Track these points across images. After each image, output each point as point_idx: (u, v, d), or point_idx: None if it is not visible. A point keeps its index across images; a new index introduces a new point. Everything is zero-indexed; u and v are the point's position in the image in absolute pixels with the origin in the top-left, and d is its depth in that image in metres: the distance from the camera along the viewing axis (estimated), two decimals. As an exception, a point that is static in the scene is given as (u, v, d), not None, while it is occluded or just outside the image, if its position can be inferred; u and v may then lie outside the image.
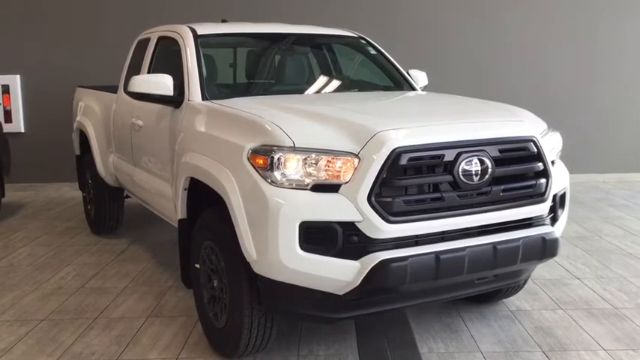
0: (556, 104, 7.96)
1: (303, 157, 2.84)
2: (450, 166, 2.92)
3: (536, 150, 3.17)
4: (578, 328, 3.74)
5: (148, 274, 4.80)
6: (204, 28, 4.38)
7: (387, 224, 2.79)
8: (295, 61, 4.91)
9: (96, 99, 5.78)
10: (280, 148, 2.86)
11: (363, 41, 4.95)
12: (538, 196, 3.20)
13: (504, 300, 4.14)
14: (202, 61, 4.08)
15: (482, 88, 7.70)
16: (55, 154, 7.96)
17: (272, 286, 2.94)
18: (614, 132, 8.39)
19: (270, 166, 2.85)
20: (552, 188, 3.27)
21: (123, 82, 5.16)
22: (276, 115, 3.18)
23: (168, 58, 4.46)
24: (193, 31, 4.29)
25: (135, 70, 4.88)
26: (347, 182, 2.82)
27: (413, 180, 2.87)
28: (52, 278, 4.74)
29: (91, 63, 7.88)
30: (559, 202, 3.44)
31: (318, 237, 2.79)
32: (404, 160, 2.81)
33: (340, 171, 2.84)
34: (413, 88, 4.69)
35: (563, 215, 3.53)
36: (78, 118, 6.01)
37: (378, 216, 2.78)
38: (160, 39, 4.67)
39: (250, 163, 2.94)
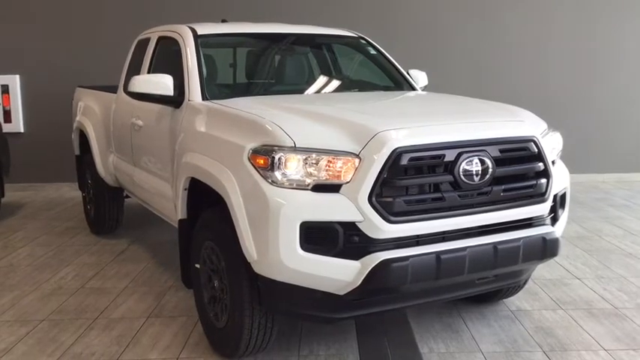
0: (556, 104, 7.96)
1: (304, 157, 2.84)
2: (450, 166, 2.92)
3: (536, 150, 3.17)
4: (578, 328, 3.74)
5: (147, 274, 4.79)
6: (205, 28, 4.38)
7: (387, 224, 2.79)
8: (295, 61, 4.91)
9: (96, 99, 5.77)
10: (281, 148, 2.86)
11: (363, 41, 4.94)
12: (539, 196, 3.20)
13: (504, 300, 4.14)
14: (202, 61, 4.07)
15: (482, 88, 7.69)
16: (55, 154, 7.95)
17: (273, 286, 2.94)
18: (613, 132, 8.39)
19: (271, 166, 2.85)
20: (553, 188, 3.27)
21: (123, 82, 5.16)
22: (277, 115, 3.18)
23: (168, 58, 4.45)
24: (193, 31, 4.28)
25: (135, 70, 4.88)
26: (348, 182, 2.82)
27: (414, 180, 2.87)
28: (51, 278, 4.74)
29: (90, 63, 7.87)
30: (559, 202, 3.44)
31: (319, 237, 2.79)
32: (405, 160, 2.81)
33: (341, 171, 2.84)
34: (413, 88, 4.69)
35: (564, 215, 3.53)
36: (78, 118, 6.01)
37: (378, 216, 2.78)
38: (160, 39, 4.67)
39: (251, 163, 2.94)
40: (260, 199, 2.85)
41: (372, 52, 4.90)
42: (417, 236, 2.91)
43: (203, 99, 3.82)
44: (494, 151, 3.03)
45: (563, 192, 3.48)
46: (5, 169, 6.68)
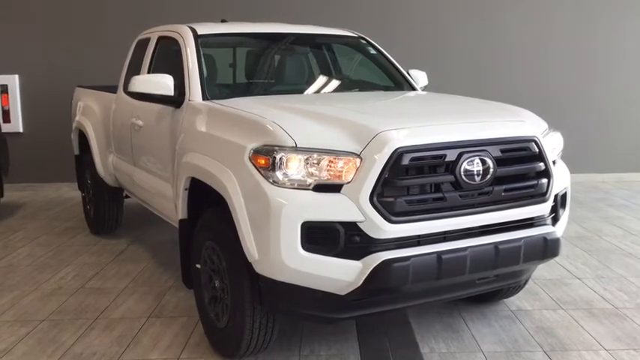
0: (556, 104, 7.96)
1: (305, 157, 2.84)
2: (451, 166, 2.92)
3: (537, 150, 3.17)
4: (579, 328, 3.74)
5: (147, 275, 4.79)
6: (205, 28, 4.38)
7: (389, 224, 2.79)
8: (296, 61, 4.91)
9: (95, 99, 5.76)
10: (282, 148, 2.86)
11: (363, 41, 4.94)
12: (539, 196, 3.20)
13: (505, 300, 4.14)
14: (203, 61, 4.07)
15: (482, 88, 7.69)
16: (54, 154, 7.95)
17: (274, 286, 2.93)
18: (613, 132, 8.40)
19: (272, 166, 2.84)
20: (554, 188, 3.27)
21: (122, 82, 5.15)
22: (278, 115, 3.17)
23: (168, 58, 4.45)
24: (193, 31, 4.28)
25: (135, 70, 4.87)
26: (349, 182, 2.82)
27: (415, 180, 2.87)
28: (51, 278, 4.73)
29: (89, 63, 7.87)
30: (560, 202, 3.43)
31: (320, 237, 2.79)
32: (406, 160, 2.81)
33: (342, 171, 2.83)
34: (413, 88, 4.69)
35: (565, 215, 3.53)
36: (77, 118, 6.00)
37: (380, 216, 2.78)
38: (160, 39, 4.66)
39: (252, 163, 2.93)
40: (261, 199, 2.85)
41: (372, 52, 4.90)
42: (418, 236, 2.91)
43: (203, 99, 3.81)
44: (496, 151, 3.02)
45: (563, 192, 3.48)
46: (4, 169, 6.67)
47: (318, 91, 4.59)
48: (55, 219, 6.65)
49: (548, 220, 3.34)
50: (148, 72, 4.62)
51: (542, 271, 4.66)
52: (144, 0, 7.96)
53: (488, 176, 2.99)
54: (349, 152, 2.85)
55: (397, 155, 2.79)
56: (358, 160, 2.83)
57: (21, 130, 8.18)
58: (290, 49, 4.86)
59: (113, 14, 7.96)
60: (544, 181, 3.20)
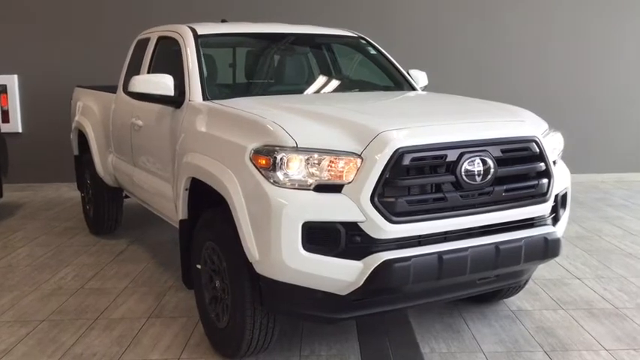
0: (555, 104, 7.96)
1: (306, 157, 2.84)
2: (452, 167, 2.92)
3: (538, 150, 3.17)
4: (579, 328, 3.74)
5: (147, 275, 4.78)
6: (205, 28, 4.37)
7: (390, 224, 2.79)
8: (296, 61, 4.91)
9: (95, 99, 5.76)
10: (283, 148, 2.85)
11: (363, 41, 4.94)
12: (540, 196, 3.20)
13: (505, 300, 4.14)
14: (203, 61, 4.07)
15: (482, 88, 7.70)
16: (53, 154, 7.94)
17: (274, 286, 2.93)
18: (612, 132, 8.40)
19: (273, 167, 2.84)
20: (554, 188, 3.27)
21: (122, 82, 5.15)
22: (279, 115, 3.17)
23: (168, 58, 4.45)
24: (194, 31, 4.28)
25: (134, 70, 4.87)
26: (350, 182, 2.82)
27: (416, 180, 2.87)
28: (51, 279, 4.72)
29: (88, 63, 7.86)
30: (560, 202, 3.44)
31: (321, 237, 2.78)
32: (407, 161, 2.81)
33: (343, 171, 2.83)
34: (413, 88, 4.69)
35: (565, 215, 3.53)
36: (76, 118, 5.99)
37: (381, 216, 2.77)
38: (160, 39, 4.66)
39: (252, 163, 2.93)
40: (262, 199, 2.84)
41: (372, 52, 4.90)
42: (419, 236, 2.91)
43: (204, 99, 3.81)
44: (496, 151, 3.02)
45: (564, 192, 3.49)
46: (4, 169, 6.66)
47: (318, 91, 4.59)
48: (54, 219, 6.64)
49: (549, 221, 3.34)
50: (148, 72, 4.62)
51: (542, 271, 4.66)
52: (143, 0, 7.95)
53: (489, 176, 2.98)
54: (350, 152, 2.85)
55: (398, 155, 2.79)
56: (359, 161, 2.83)
57: (20, 131, 8.17)
58: (290, 49, 4.86)
59: (113, 14, 7.95)
60: (544, 181, 3.20)
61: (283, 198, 2.80)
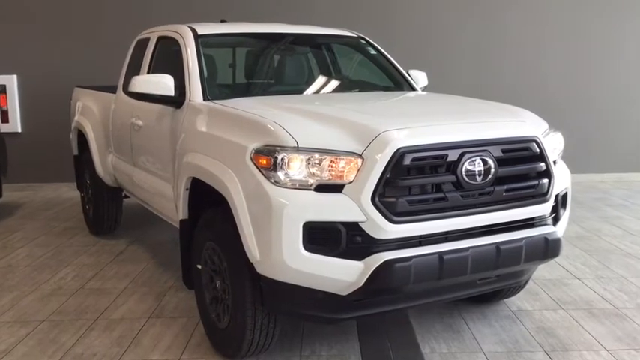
0: (554, 104, 7.96)
1: (307, 157, 2.84)
2: (453, 167, 2.92)
3: (538, 150, 3.17)
4: (579, 328, 3.74)
5: (147, 275, 4.78)
6: (205, 28, 4.37)
7: (390, 224, 2.79)
8: (296, 61, 4.91)
9: (94, 99, 5.76)
10: (284, 148, 2.85)
11: (363, 41, 4.94)
12: (540, 197, 3.20)
13: (505, 300, 4.14)
14: (203, 61, 4.06)
15: (482, 88, 7.71)
16: (53, 154, 7.94)
17: (275, 286, 2.93)
18: (611, 132, 8.41)
19: (274, 167, 2.84)
20: (554, 188, 3.27)
21: (122, 82, 5.15)
22: (279, 116, 3.17)
23: (168, 58, 4.44)
24: (194, 31, 4.27)
25: (134, 70, 4.87)
26: (350, 182, 2.82)
27: (416, 180, 2.87)
28: (51, 279, 4.72)
29: (88, 63, 7.85)
30: (561, 202, 3.44)
31: (322, 237, 2.78)
32: (407, 161, 2.81)
33: (344, 171, 2.83)
34: (413, 89, 4.69)
35: (565, 215, 3.53)
36: (76, 118, 5.99)
37: (381, 216, 2.77)
38: (160, 39, 4.65)
39: (253, 163, 2.93)
40: (263, 199, 2.84)
41: (372, 52, 4.90)
42: (420, 236, 2.91)
43: (204, 99, 3.81)
44: (497, 151, 3.02)
45: (564, 192, 3.49)
46: (3, 169, 6.66)
47: (318, 92, 4.59)
48: (54, 219, 6.64)
49: (549, 221, 3.34)
50: (148, 72, 4.61)
51: (542, 271, 4.66)
52: (143, 0, 7.95)
53: (490, 176, 2.99)
54: (351, 152, 2.85)
55: (399, 155, 2.79)
56: (360, 161, 2.83)
57: (19, 131, 8.16)
58: (290, 49, 4.86)
59: (112, 14, 7.95)
60: (545, 181, 3.20)
61: (284, 198, 2.80)
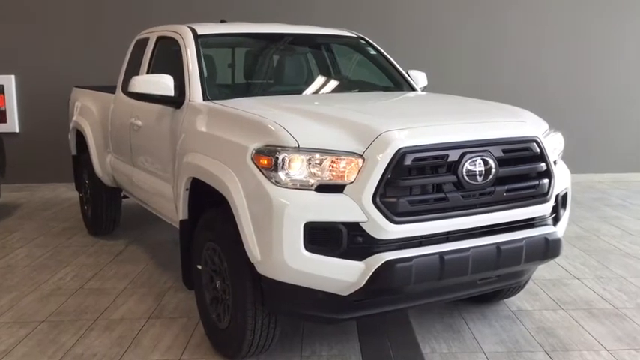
0: (553, 105, 7.96)
1: (308, 157, 2.84)
2: (454, 167, 2.92)
3: (539, 150, 3.17)
4: (579, 328, 3.75)
5: (147, 275, 4.77)
6: (204, 28, 4.37)
7: (391, 225, 2.79)
8: (296, 61, 4.90)
9: (93, 99, 5.75)
10: (284, 148, 2.85)
11: (363, 41, 4.94)
12: (541, 197, 3.21)
13: (505, 300, 4.15)
14: (203, 61, 4.06)
15: (482, 88, 7.71)
16: (51, 155, 7.92)
17: (276, 286, 2.93)
18: (609, 132, 8.42)
19: (275, 167, 2.84)
20: (555, 188, 3.28)
21: (121, 82, 5.14)
22: (280, 116, 3.17)
23: (168, 58, 4.44)
24: (193, 31, 4.27)
25: (133, 70, 4.86)
26: (351, 183, 2.82)
27: (417, 180, 2.87)
28: (50, 279, 4.71)
29: (86, 63, 7.84)
30: (561, 202, 3.44)
31: (323, 237, 2.78)
32: (408, 161, 2.81)
33: (344, 171, 2.83)
34: (413, 89, 4.69)
35: (565, 215, 3.54)
36: (75, 118, 5.98)
37: (382, 216, 2.77)
38: (160, 39, 4.65)
39: (254, 163, 2.93)
40: (264, 199, 2.84)
41: (372, 52, 4.90)
42: (421, 236, 2.91)
43: (204, 99, 3.80)
44: (497, 151, 3.03)
45: (564, 192, 3.49)
46: (1, 169, 6.65)
47: (318, 92, 4.59)
48: (52, 219, 6.62)
49: (549, 221, 3.34)
50: (148, 72, 4.61)
51: (541, 271, 4.67)
52: (143, 0, 7.93)
53: (490, 177, 2.99)
54: (352, 153, 2.85)
55: (400, 156, 2.79)
56: (361, 161, 2.82)
57: (17, 131, 8.13)
58: (290, 50, 4.86)
59: (111, 14, 7.93)
60: (545, 181, 3.21)
61: (285, 198, 2.79)
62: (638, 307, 4.07)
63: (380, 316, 3.74)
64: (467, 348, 3.51)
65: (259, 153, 2.92)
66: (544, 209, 3.25)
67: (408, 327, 3.77)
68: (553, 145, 3.42)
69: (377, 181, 2.77)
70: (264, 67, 4.79)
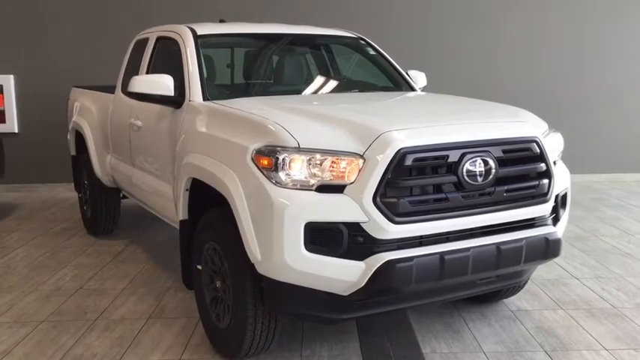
0: (550, 105, 7.97)
1: (308, 157, 2.84)
2: (454, 167, 2.93)
3: (539, 150, 3.18)
4: (579, 327, 3.76)
5: (146, 275, 4.77)
6: (204, 29, 4.37)
7: (392, 225, 2.79)
8: (296, 61, 4.90)
9: (92, 99, 5.74)
10: (285, 148, 2.85)
11: (363, 42, 4.95)
12: (541, 197, 3.21)
13: (505, 300, 4.15)
14: (203, 61, 4.06)
15: (481, 88, 7.73)
16: (49, 155, 7.91)
17: (276, 287, 2.93)
18: (606, 132, 8.43)
19: (275, 167, 2.84)
20: (554, 189, 3.28)
21: (120, 83, 5.13)
22: (280, 116, 3.17)
23: (167, 59, 4.44)
24: (193, 31, 4.27)
25: (133, 70, 4.86)
26: (352, 183, 2.82)
27: (418, 180, 2.87)
28: (49, 279, 4.71)
29: (84, 63, 7.83)
30: (560, 202, 3.45)
31: (324, 238, 2.79)
32: (409, 161, 2.81)
33: (345, 171, 2.83)
34: (412, 89, 4.69)
35: (565, 215, 3.54)
36: (74, 119, 5.98)
37: (383, 216, 2.78)
38: (159, 39, 4.64)
39: (254, 163, 2.93)
40: (264, 199, 2.84)
41: (371, 52, 4.90)
42: (421, 237, 2.91)
43: (204, 99, 3.80)
44: (497, 151, 3.03)
45: (564, 192, 3.50)
46: (0, 170, 6.63)
47: (317, 92, 4.59)
48: (51, 220, 6.62)
49: (549, 221, 3.35)
50: (147, 72, 4.60)
51: (540, 271, 4.67)
52: (141, 0, 7.93)
53: (491, 177, 2.99)
54: (352, 153, 2.85)
55: (400, 156, 2.79)
56: (361, 161, 2.83)
57: (16, 131, 8.12)
58: (290, 50, 4.86)
59: (110, 14, 7.91)
60: (545, 181, 3.21)
61: (285, 198, 2.80)
62: (638, 306, 4.08)
63: (380, 316, 3.74)
64: (467, 348, 3.51)
65: (260, 153, 2.92)
66: (544, 209, 3.26)
67: (407, 327, 3.77)
68: (553, 145, 3.42)
69: (377, 181, 2.78)
70: (263, 68, 4.79)
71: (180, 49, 4.17)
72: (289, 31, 4.76)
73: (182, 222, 3.69)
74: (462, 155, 2.93)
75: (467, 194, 2.97)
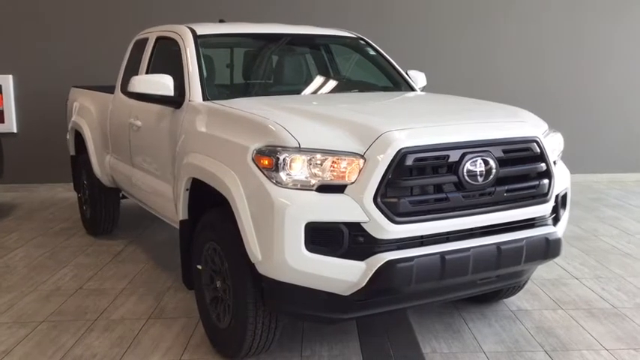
0: (550, 105, 7.98)
1: (309, 157, 2.84)
2: (454, 167, 2.93)
3: (539, 150, 3.18)
4: (579, 327, 3.76)
5: (146, 275, 4.77)
6: (204, 29, 4.37)
7: (392, 225, 2.79)
8: (296, 61, 4.90)
9: (92, 99, 5.74)
10: (285, 148, 2.85)
11: (362, 42, 4.94)
12: (541, 197, 3.22)
13: (505, 300, 4.15)
14: (202, 61, 4.06)
15: (480, 88, 7.72)
16: (48, 155, 7.90)
17: (277, 287, 2.93)
18: (606, 132, 8.44)
19: (276, 167, 2.84)
20: (555, 189, 3.28)
21: (120, 83, 5.13)
22: (281, 116, 3.17)
23: (167, 59, 4.43)
24: (193, 31, 4.26)
25: (132, 70, 4.85)
26: (352, 183, 2.82)
27: (418, 180, 2.87)
28: (49, 279, 4.70)
29: (84, 63, 7.82)
30: (561, 202, 3.45)
31: (324, 238, 2.79)
32: (409, 161, 2.81)
33: (345, 171, 2.83)
34: (412, 89, 4.69)
35: (565, 215, 3.55)
36: (73, 119, 5.97)
37: (383, 216, 2.78)
38: (159, 39, 4.64)
39: (255, 163, 2.93)
40: (265, 199, 2.84)
41: (371, 52, 4.90)
42: (422, 237, 2.91)
43: (204, 99, 3.80)
44: (498, 151, 3.03)
45: (564, 192, 3.50)
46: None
47: (317, 92, 4.59)
48: (50, 220, 6.61)
49: (550, 221, 3.35)
50: (147, 72, 4.60)
51: (540, 271, 4.67)
52: (141, 0, 7.92)
53: (491, 177, 2.99)
54: (352, 153, 2.85)
55: (401, 156, 2.79)
56: (362, 161, 2.83)
57: (15, 131, 8.11)
58: (290, 50, 4.86)
59: (110, 14, 7.91)
60: (545, 181, 3.22)
61: (286, 198, 2.80)
62: (637, 306, 4.08)
63: (380, 316, 3.74)
64: (467, 348, 3.51)
65: (260, 153, 2.92)
66: (544, 209, 3.26)
67: (407, 327, 3.77)
68: (553, 145, 3.42)
69: (378, 181, 2.78)
70: (263, 68, 4.79)
71: (180, 49, 4.17)
72: (289, 31, 4.76)
73: (182, 222, 3.69)
74: (463, 155, 2.93)
75: (467, 194, 2.97)
